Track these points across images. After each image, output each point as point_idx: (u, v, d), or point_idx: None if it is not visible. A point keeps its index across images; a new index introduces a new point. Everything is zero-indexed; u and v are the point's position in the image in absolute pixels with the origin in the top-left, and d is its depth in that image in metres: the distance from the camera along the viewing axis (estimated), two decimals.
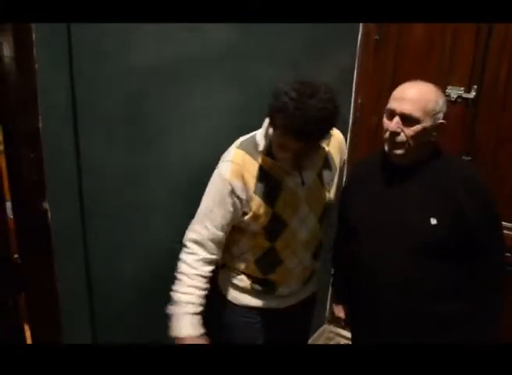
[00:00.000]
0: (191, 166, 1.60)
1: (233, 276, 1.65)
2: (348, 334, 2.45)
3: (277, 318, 1.66)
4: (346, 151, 1.69)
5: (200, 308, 1.48)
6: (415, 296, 1.52)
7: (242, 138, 1.52)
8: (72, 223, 1.36)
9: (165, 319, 1.47)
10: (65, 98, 1.25)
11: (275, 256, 1.56)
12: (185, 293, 1.47)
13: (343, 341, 2.76)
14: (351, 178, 1.76)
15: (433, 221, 1.47)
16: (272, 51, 1.79)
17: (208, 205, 1.48)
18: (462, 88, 2.14)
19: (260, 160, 1.46)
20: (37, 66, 1.17)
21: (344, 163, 1.69)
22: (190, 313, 1.46)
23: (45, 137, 1.22)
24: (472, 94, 2.12)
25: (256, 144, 1.47)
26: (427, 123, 1.44)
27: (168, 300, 1.48)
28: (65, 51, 1.22)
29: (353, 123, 2.50)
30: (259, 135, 1.48)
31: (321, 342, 2.78)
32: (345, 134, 2.48)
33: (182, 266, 1.49)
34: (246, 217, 1.48)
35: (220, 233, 1.49)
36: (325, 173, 1.57)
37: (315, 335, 2.76)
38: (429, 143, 1.51)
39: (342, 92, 2.39)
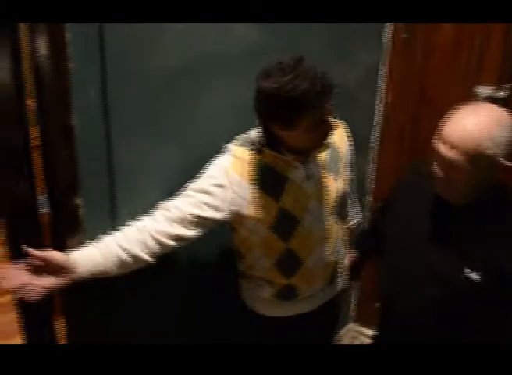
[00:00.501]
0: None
1: (255, 287, 1.60)
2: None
3: (303, 323, 1.62)
4: (348, 138, 1.61)
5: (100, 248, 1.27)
6: (427, 331, 1.41)
7: (238, 137, 1.48)
8: (103, 218, 1.39)
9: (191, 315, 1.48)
10: (96, 96, 1.28)
11: (294, 257, 1.50)
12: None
13: (367, 341, 2.75)
14: (397, 188, 1.61)
15: (471, 275, 1.28)
16: (295, 50, 1.78)
17: (195, 187, 1.39)
18: (492, 88, 2.11)
19: (261, 154, 1.41)
20: (70, 64, 1.20)
21: (352, 152, 1.62)
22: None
23: (78, 134, 1.26)
24: (502, 94, 2.09)
25: (254, 141, 1.42)
26: (480, 169, 1.19)
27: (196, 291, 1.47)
28: (97, 50, 1.25)
29: (380, 122, 2.48)
30: (255, 133, 1.43)
31: (345, 341, 2.77)
32: (370, 135, 2.48)
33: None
34: (247, 214, 1.41)
35: (189, 213, 1.34)
36: (331, 165, 1.51)
37: (340, 333, 2.76)
38: (487, 180, 1.27)
39: (367, 92, 2.39)
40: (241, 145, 1.43)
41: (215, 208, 1.37)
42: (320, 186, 1.49)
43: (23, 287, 1.14)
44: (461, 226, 1.33)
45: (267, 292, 1.59)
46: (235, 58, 1.60)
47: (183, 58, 1.45)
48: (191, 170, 1.48)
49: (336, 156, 1.53)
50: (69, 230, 1.32)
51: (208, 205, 1.36)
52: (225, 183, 1.37)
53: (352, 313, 2.82)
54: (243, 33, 1.59)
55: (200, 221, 1.36)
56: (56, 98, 1.22)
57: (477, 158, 1.17)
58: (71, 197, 1.29)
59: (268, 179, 1.41)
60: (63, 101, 1.23)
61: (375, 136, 2.50)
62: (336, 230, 1.58)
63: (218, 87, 1.58)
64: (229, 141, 1.46)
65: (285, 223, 1.45)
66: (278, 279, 1.55)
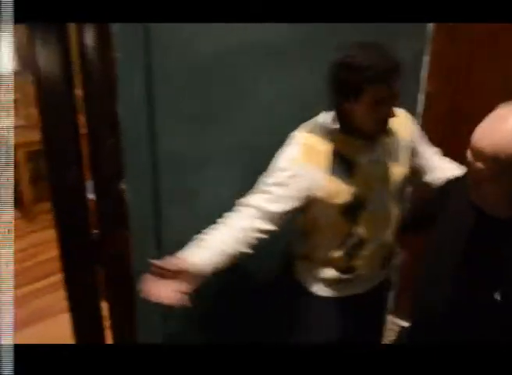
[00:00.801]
0: (260, 154, 1.61)
1: (316, 268, 1.63)
2: None
3: (357, 303, 1.65)
4: (412, 125, 1.62)
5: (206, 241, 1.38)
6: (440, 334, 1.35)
7: (303, 124, 1.50)
8: (147, 203, 1.44)
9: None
10: (140, 87, 1.32)
11: (358, 239, 1.54)
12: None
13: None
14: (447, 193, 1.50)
15: (496, 296, 1.18)
16: (343, 38, 1.77)
17: (269, 181, 1.43)
18: None
19: (330, 140, 1.44)
20: (116, 56, 1.25)
21: (417, 138, 1.64)
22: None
23: (123, 123, 1.30)
24: None
25: (323, 126, 1.45)
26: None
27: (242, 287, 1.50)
28: (141, 41, 1.29)
29: (422, 111, 2.45)
30: (325, 117, 1.46)
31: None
32: None
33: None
34: (320, 200, 1.45)
35: (268, 210, 1.41)
36: (394, 151, 1.54)
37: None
38: None
39: (410, 81, 2.35)
40: (308, 132, 1.46)
41: (292, 200, 1.42)
42: (383, 170, 1.52)
43: (167, 294, 1.25)
44: (493, 239, 1.21)
45: (328, 273, 1.61)
46: (282, 47, 1.61)
47: (225, 46, 1.47)
48: (236, 159, 1.51)
49: (398, 143, 1.56)
50: (115, 213, 1.39)
51: (284, 198, 1.41)
52: (296, 173, 1.41)
53: (389, 305, 2.79)
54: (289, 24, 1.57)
55: (280, 215, 1.42)
56: (103, 89, 1.28)
57: (507, 166, 1.07)
58: (116, 183, 1.35)
59: (336, 164, 1.44)
60: (109, 92, 1.28)
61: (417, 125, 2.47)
62: (396, 214, 1.61)
63: (268, 76, 1.59)
64: (286, 130, 1.48)
65: (353, 206, 1.49)
66: (340, 260, 1.58)
